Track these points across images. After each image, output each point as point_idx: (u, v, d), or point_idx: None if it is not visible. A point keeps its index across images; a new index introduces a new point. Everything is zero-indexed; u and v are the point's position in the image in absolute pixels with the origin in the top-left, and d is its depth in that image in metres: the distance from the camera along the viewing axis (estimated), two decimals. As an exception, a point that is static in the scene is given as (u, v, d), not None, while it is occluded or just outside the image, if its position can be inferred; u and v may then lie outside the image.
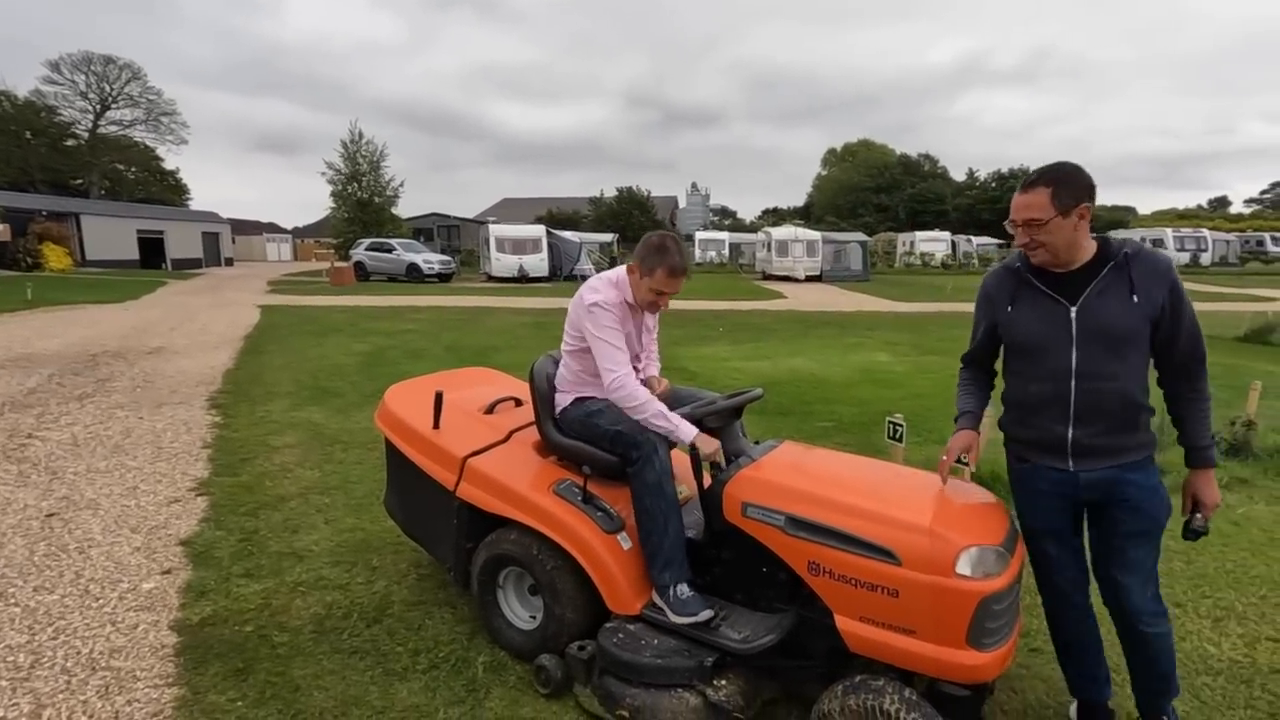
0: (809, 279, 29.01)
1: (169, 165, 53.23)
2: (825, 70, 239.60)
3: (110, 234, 33.52)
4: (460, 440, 2.81)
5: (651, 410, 2.42)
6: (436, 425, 2.89)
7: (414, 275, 26.58)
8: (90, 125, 45.03)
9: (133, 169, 49.84)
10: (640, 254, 2.52)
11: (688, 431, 2.39)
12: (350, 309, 16.44)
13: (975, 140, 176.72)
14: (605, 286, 2.59)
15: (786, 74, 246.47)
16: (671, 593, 2.36)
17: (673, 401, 2.71)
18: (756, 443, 2.66)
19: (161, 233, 36.30)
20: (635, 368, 2.71)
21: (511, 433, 2.88)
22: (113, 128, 46.39)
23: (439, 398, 2.87)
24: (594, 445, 2.57)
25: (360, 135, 34.99)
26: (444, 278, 27.14)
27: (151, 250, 35.33)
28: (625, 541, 2.47)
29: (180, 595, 3.09)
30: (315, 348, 10.51)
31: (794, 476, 2.28)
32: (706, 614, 2.30)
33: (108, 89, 44.70)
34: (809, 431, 5.96)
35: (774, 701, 2.36)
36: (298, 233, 61.85)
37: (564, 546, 2.44)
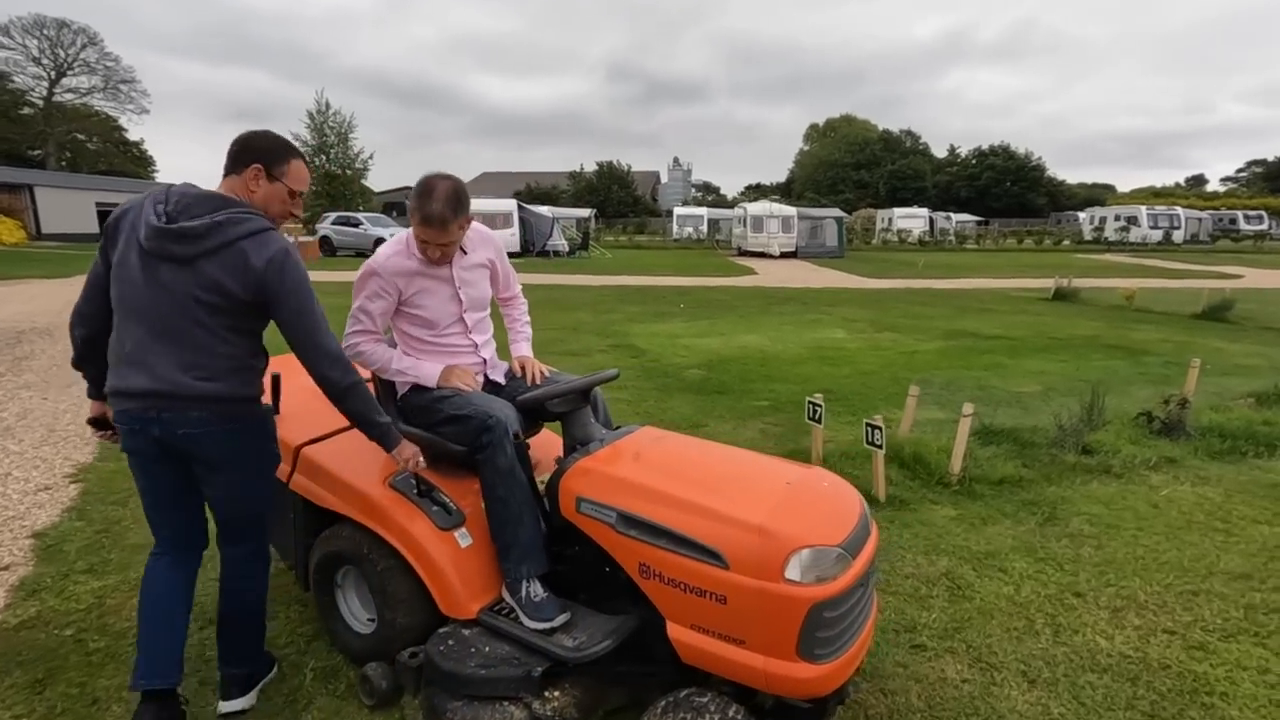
0: (784, 255, 28.78)
1: (133, 136, 51.47)
2: (809, 43, 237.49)
3: (67, 206, 32.38)
4: (299, 427, 2.57)
5: (392, 369, 2.38)
6: (276, 411, 2.63)
7: (381, 250, 25.97)
8: (45, 93, 43.27)
9: (93, 139, 48.08)
10: (410, 204, 2.25)
11: (430, 372, 2.35)
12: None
13: (958, 116, 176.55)
14: (384, 248, 2.37)
15: (770, 47, 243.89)
16: (525, 590, 2.15)
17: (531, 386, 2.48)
18: (618, 428, 2.43)
19: (122, 205, 35.12)
20: (469, 339, 2.48)
21: (361, 418, 2.63)
22: (69, 96, 44.64)
23: (276, 380, 2.61)
24: (438, 433, 2.34)
25: (327, 106, 33.99)
26: (412, 253, 26.51)
27: (112, 223, 34.21)
28: (464, 538, 2.25)
29: (8, 595, 2.84)
30: (256, 324, 10.12)
31: (628, 468, 2.06)
32: (563, 618, 2.10)
33: (62, 55, 42.91)
34: (742, 410, 5.77)
35: (621, 710, 2.17)
36: (269, 206, 60.36)
37: (393, 544, 2.22)
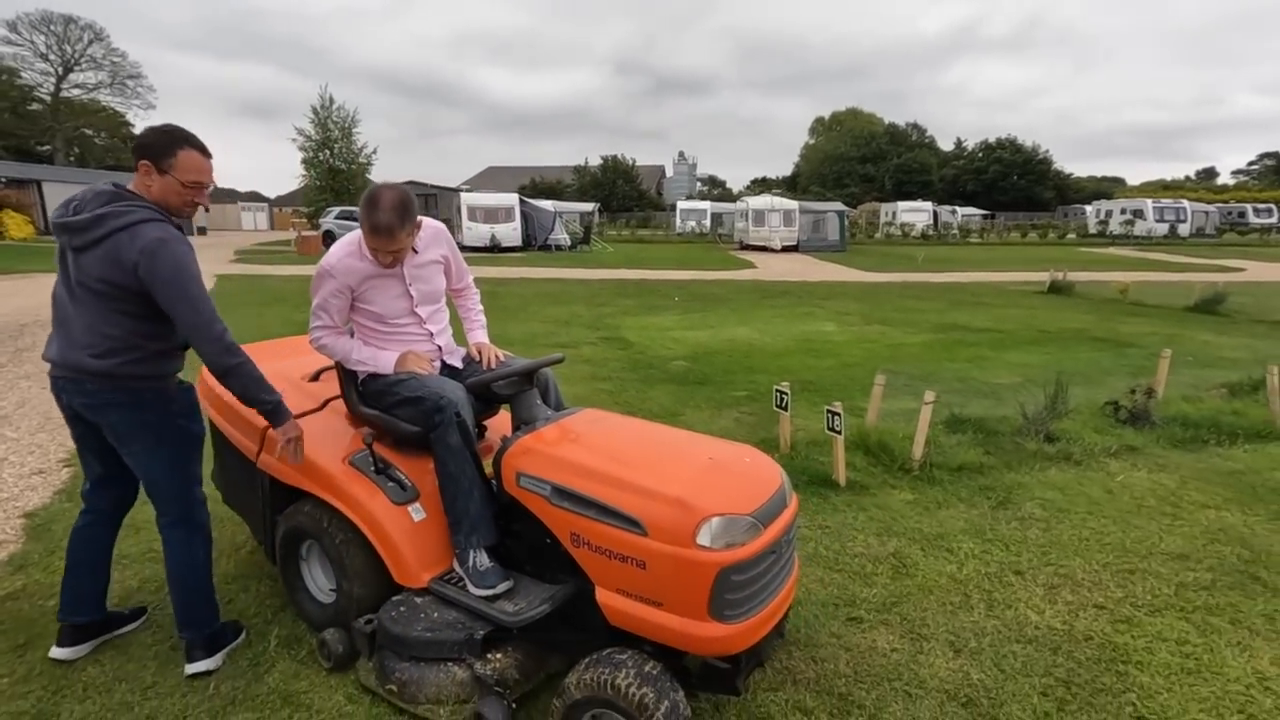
0: (785, 249, 28.78)
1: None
2: (816, 37, 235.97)
3: (75, 202, 32.68)
4: (266, 409, 2.70)
5: (352, 359, 2.51)
6: (246, 393, 2.78)
7: (384, 245, 26.17)
8: (53, 88, 43.62)
9: (100, 134, 48.48)
10: (361, 211, 2.33)
11: (387, 360, 2.49)
12: (306, 278, 16.11)
13: (965, 110, 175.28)
14: (337, 248, 2.49)
15: (777, 40, 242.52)
16: (472, 560, 2.28)
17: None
18: (562, 410, 2.56)
19: (129, 201, 35.45)
20: (425, 329, 2.61)
21: (327, 401, 2.78)
22: (77, 91, 44.99)
23: (246, 364, 2.75)
24: (394, 415, 2.48)
25: (331, 101, 34.09)
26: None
27: (119, 219, 34.53)
28: (417, 513, 2.38)
29: (-2, 569, 3.01)
30: (255, 318, 10.29)
31: (565, 446, 2.19)
32: (505, 585, 2.24)
33: (69, 50, 43.22)
34: (721, 400, 5.89)
35: (560, 675, 2.31)
36: (277, 201, 60.75)
37: (350, 518, 2.36)
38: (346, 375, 2.61)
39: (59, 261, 2.16)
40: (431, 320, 2.61)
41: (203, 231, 41.88)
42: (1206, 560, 3.20)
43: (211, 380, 2.94)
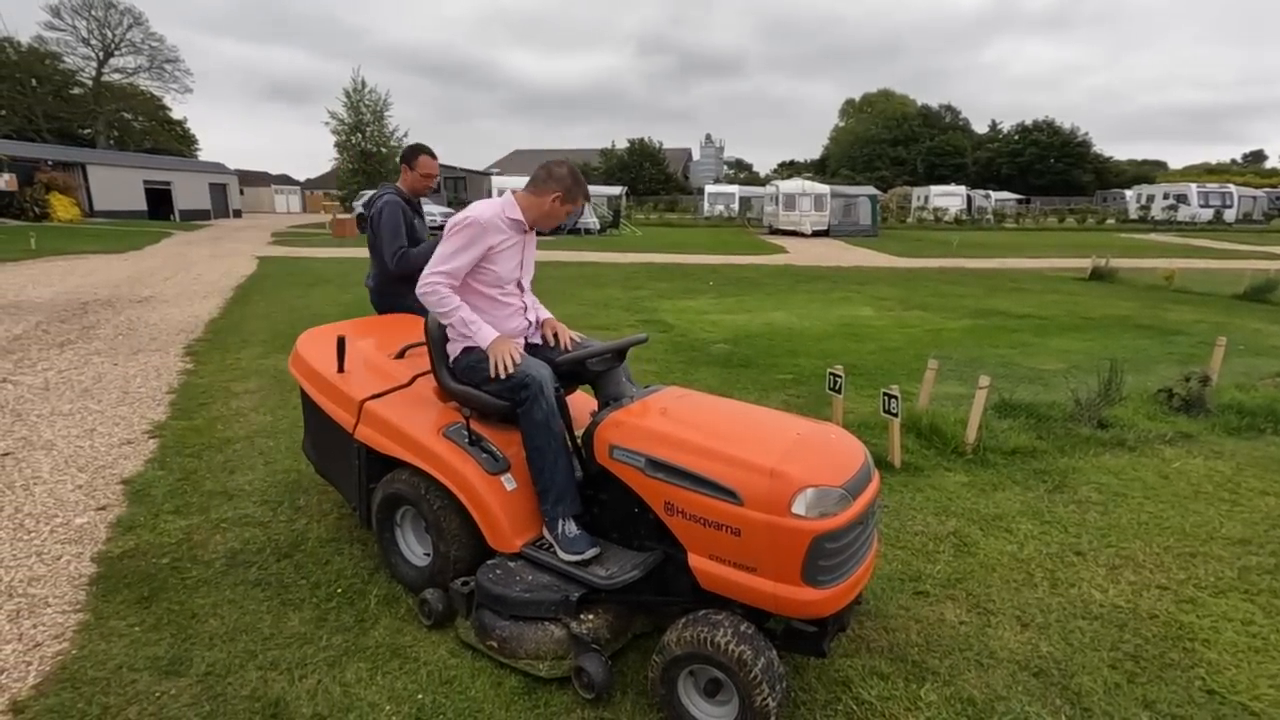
0: (816, 234, 28.54)
1: (176, 115, 52.84)
2: (847, 13, 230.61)
3: (117, 184, 33.57)
4: (361, 384, 2.86)
5: (456, 316, 2.57)
6: (341, 369, 2.94)
7: (416, 227, 26.49)
8: (94, 73, 44.62)
9: (139, 118, 49.52)
10: (566, 184, 2.62)
11: (487, 335, 2.56)
12: (346, 260, 16.48)
13: (1001, 90, 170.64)
14: (485, 207, 2.63)
15: (807, 18, 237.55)
16: (560, 528, 2.42)
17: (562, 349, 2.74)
18: (645, 388, 2.67)
19: (169, 183, 36.33)
20: (523, 300, 2.77)
21: (415, 378, 2.92)
22: (117, 75, 46.00)
23: (341, 342, 2.91)
24: (483, 390, 2.61)
25: (363, 84, 34.37)
26: (446, 230, 26.98)
27: (159, 201, 35.42)
28: (509, 483, 2.52)
29: (109, 530, 3.22)
30: (301, 298, 10.59)
31: (658, 420, 2.30)
32: (593, 551, 2.38)
33: (110, 35, 44.14)
34: (766, 384, 5.97)
35: (645, 636, 2.45)
36: (308, 184, 61.57)
37: (448, 486, 2.51)
38: (437, 353, 2.75)
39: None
40: (527, 294, 2.79)
41: (238, 214, 42.73)
42: (1269, 546, 3.23)
43: (305, 355, 3.12)
